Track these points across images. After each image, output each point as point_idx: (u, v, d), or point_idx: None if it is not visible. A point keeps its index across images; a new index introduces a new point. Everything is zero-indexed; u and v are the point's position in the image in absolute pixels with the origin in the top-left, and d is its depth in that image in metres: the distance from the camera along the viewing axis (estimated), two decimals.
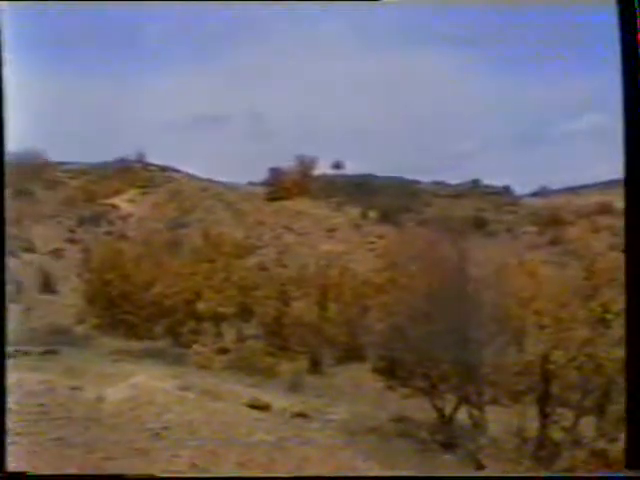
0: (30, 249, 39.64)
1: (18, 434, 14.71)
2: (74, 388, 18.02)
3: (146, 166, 65.32)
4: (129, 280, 30.43)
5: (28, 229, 42.33)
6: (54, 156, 64.47)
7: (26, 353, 21.30)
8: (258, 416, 17.94)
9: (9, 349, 22.13)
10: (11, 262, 37.37)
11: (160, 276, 30.62)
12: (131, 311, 29.49)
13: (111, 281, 30.30)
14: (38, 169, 60.06)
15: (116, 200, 53.31)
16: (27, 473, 9.74)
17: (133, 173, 61.91)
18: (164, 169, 65.17)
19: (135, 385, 18.39)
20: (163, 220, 49.90)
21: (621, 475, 10.38)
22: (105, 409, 16.75)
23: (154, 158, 66.95)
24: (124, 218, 50.66)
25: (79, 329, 28.20)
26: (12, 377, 18.30)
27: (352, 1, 25.27)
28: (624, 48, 7.94)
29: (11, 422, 15.43)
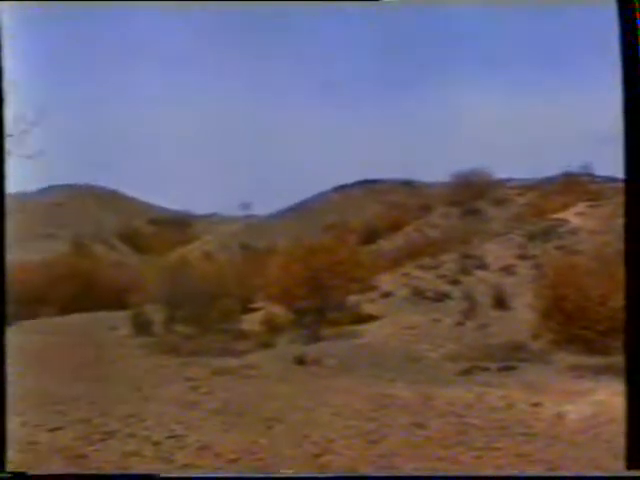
0: (482, 266, 40.48)
1: (480, 449, 14.89)
2: (534, 404, 17.98)
3: (593, 178, 63.96)
4: (584, 294, 29.74)
5: (479, 247, 43.42)
6: (500, 173, 66.14)
7: (485, 369, 21.74)
8: None
9: (467, 365, 22.85)
10: (465, 279, 38.71)
11: (615, 290, 29.53)
12: (587, 326, 28.75)
13: (566, 296, 29.84)
14: (486, 187, 61.84)
15: (565, 214, 52.68)
16: (27, 473, 9.93)
17: (580, 186, 60.93)
18: (612, 180, 63.21)
19: (596, 402, 17.86)
20: (613, 233, 48.22)
21: (621, 475, 10.50)
22: (565, 426, 16.42)
23: (601, 170, 65.41)
24: (574, 232, 49.79)
25: (534, 345, 28.10)
26: (473, 392, 18.84)
27: (353, 1, 23.57)
28: (624, 48, 7.97)
29: (472, 436, 15.75)
